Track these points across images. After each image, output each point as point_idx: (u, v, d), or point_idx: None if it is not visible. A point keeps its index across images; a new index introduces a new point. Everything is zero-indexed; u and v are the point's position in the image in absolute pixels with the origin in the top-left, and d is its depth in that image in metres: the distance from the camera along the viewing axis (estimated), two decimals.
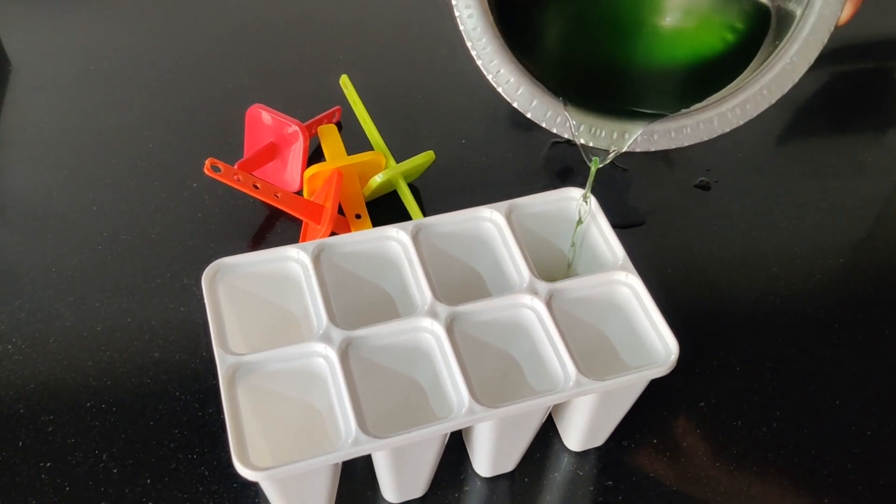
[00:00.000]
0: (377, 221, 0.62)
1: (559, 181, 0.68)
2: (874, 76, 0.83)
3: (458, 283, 0.51)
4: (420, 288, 0.47)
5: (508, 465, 0.51)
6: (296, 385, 0.45)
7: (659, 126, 0.46)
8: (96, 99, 0.72)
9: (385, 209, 0.64)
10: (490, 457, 0.49)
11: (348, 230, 0.61)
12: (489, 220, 0.51)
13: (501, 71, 0.46)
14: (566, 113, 0.47)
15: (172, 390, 0.54)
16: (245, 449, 0.41)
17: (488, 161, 0.69)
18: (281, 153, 0.63)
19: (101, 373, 0.55)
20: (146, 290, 0.59)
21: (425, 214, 0.63)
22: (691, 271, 0.63)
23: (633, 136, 0.46)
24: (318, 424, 0.46)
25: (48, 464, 0.51)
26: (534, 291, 0.47)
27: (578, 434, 0.51)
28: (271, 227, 0.63)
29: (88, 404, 0.53)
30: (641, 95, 0.50)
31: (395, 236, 0.50)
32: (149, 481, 0.50)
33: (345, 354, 0.45)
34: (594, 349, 0.48)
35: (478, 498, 0.51)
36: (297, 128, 0.62)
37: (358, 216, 0.61)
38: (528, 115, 0.47)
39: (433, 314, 0.46)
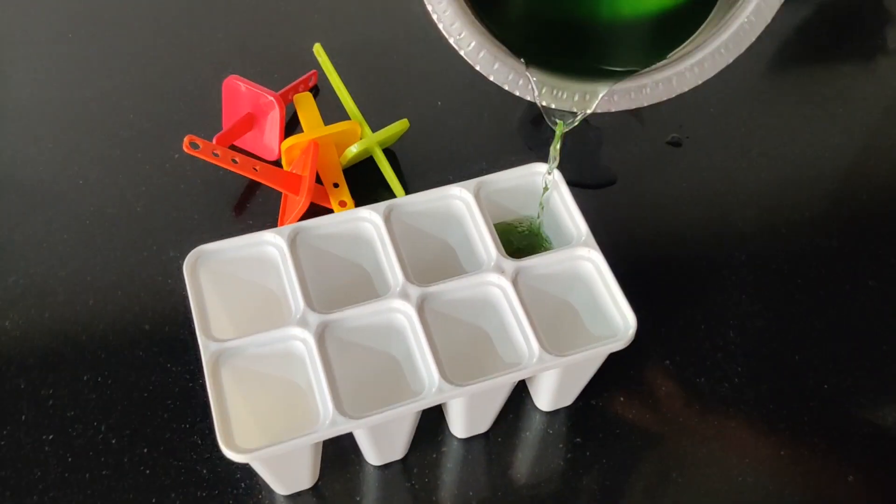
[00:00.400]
0: (354, 189, 0.64)
1: (537, 140, 0.69)
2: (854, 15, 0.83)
3: (431, 259, 0.53)
4: (392, 269, 0.50)
5: (482, 427, 0.54)
6: (277, 366, 0.48)
7: (619, 87, 0.46)
8: (74, 69, 0.72)
9: (362, 176, 0.65)
10: (464, 422, 0.52)
11: (327, 199, 0.63)
12: (458, 197, 0.53)
13: (463, 34, 0.46)
14: (528, 74, 0.47)
15: (164, 362, 0.57)
16: (230, 432, 0.44)
17: (465, 123, 0.70)
18: (258, 123, 0.65)
19: (95, 346, 0.57)
20: (134, 263, 0.61)
21: (402, 180, 0.65)
22: (661, 230, 0.65)
23: (597, 97, 0.47)
24: (301, 399, 0.49)
25: (50, 436, 0.54)
26: (500, 270, 0.50)
27: (548, 397, 0.54)
28: (252, 195, 0.65)
29: (85, 377, 0.56)
30: (603, 53, 0.50)
31: (368, 217, 0.52)
32: (145, 450, 0.54)
33: (321, 337, 0.47)
34: (559, 322, 0.51)
35: (455, 457, 0.54)
36: (272, 98, 0.63)
37: (336, 185, 0.63)
38: (491, 78, 0.48)
39: (405, 296, 0.48)
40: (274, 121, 0.64)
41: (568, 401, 0.55)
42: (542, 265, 0.50)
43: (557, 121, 0.49)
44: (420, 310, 0.48)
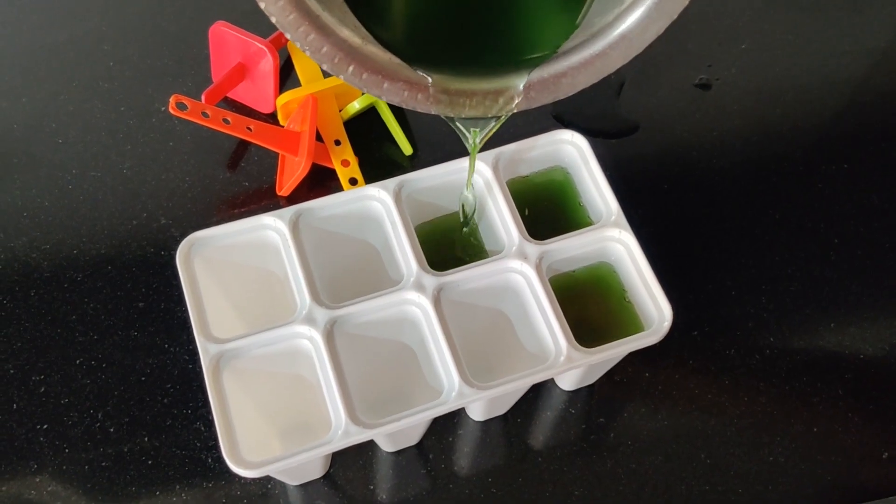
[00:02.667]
0: (358, 147, 0.59)
1: None
2: None
3: (447, 241, 0.49)
4: (405, 255, 0.46)
5: (501, 411, 0.51)
6: (283, 364, 0.45)
7: (535, 76, 0.38)
8: (45, 9, 0.66)
9: (366, 131, 0.60)
10: (483, 409, 0.49)
11: (328, 158, 0.58)
12: (476, 171, 0.48)
13: (337, 57, 0.36)
14: (429, 85, 0.38)
15: (161, 342, 0.54)
16: (236, 445, 0.41)
17: None
18: (250, 73, 0.59)
19: (86, 327, 0.54)
20: (123, 233, 0.57)
21: (409, 134, 0.60)
22: (687, 185, 0.60)
23: (515, 97, 0.38)
24: (311, 395, 0.46)
25: (44, 426, 0.51)
26: (523, 255, 0.46)
27: (570, 379, 0.51)
28: (247, 152, 0.60)
29: (78, 361, 0.53)
30: (509, 37, 0.39)
31: (377, 196, 0.47)
32: (146, 439, 0.51)
33: (329, 334, 0.44)
34: (586, 311, 0.47)
35: (472, 440, 0.52)
36: (263, 46, 0.57)
37: (337, 142, 0.58)
38: (383, 98, 0.38)
39: (419, 287, 0.45)
40: (267, 70, 0.58)
41: (591, 381, 0.52)
42: (569, 248, 0.46)
43: (471, 129, 0.41)
44: (436, 302, 0.44)
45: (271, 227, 0.46)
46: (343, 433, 0.41)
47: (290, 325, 0.44)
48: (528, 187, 0.49)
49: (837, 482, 0.51)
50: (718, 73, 0.65)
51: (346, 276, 0.47)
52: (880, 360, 0.54)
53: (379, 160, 0.59)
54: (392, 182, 0.47)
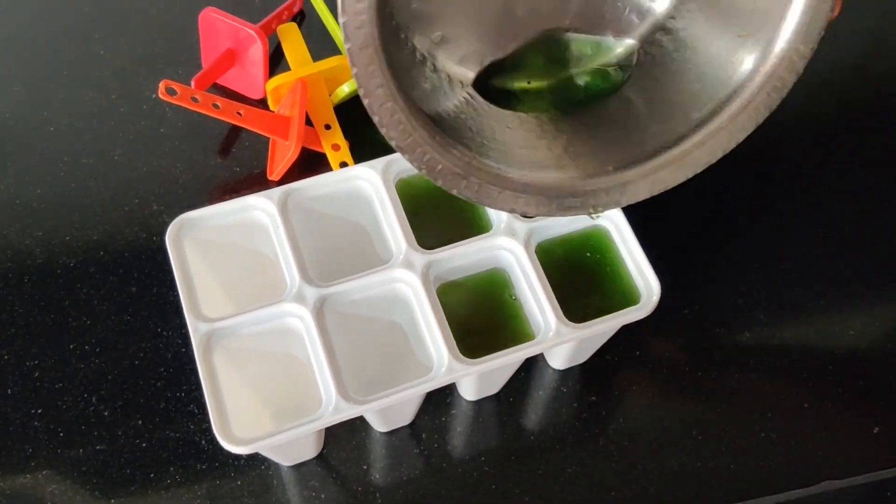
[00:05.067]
0: (348, 131, 0.59)
1: None
2: None
3: (436, 220, 0.49)
4: (394, 233, 0.46)
5: (493, 390, 0.52)
6: (274, 342, 0.45)
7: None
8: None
9: (356, 114, 0.60)
10: (474, 387, 0.50)
11: (318, 143, 0.58)
12: None
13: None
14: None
15: (154, 326, 0.54)
16: (227, 422, 0.41)
17: None
18: (240, 59, 0.59)
19: (79, 312, 0.54)
20: (115, 219, 0.57)
21: None
22: None
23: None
24: (302, 372, 0.46)
25: (39, 410, 0.51)
26: (512, 233, 0.46)
27: (561, 357, 0.51)
28: (238, 137, 0.60)
29: (71, 346, 0.53)
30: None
31: (364, 175, 0.48)
32: (140, 422, 0.51)
33: (319, 313, 0.44)
34: (574, 287, 0.47)
35: (464, 420, 0.52)
36: (252, 32, 0.57)
37: (328, 126, 0.58)
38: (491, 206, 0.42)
39: (408, 264, 0.45)
40: (257, 56, 0.58)
41: (582, 359, 0.53)
42: (558, 224, 0.46)
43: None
44: (426, 279, 0.44)
45: (260, 207, 0.47)
46: (334, 409, 0.41)
47: (280, 304, 0.44)
48: None
49: (828, 457, 0.51)
50: None
51: (335, 255, 0.47)
52: (870, 336, 0.55)
53: (369, 143, 0.59)
54: (380, 162, 0.47)
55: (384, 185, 0.47)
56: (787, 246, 0.57)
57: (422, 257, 0.45)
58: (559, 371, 0.53)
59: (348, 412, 0.41)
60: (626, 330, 0.52)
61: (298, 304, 0.44)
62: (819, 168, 0.61)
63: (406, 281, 0.45)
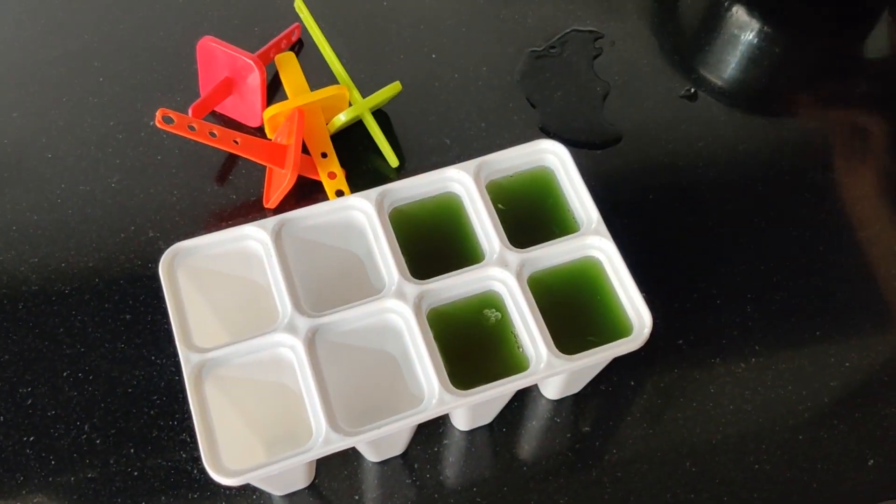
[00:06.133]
0: (344, 159, 0.59)
1: (539, 95, 0.64)
2: None
3: (429, 251, 0.49)
4: (387, 264, 0.46)
5: (485, 420, 0.51)
6: (265, 372, 0.45)
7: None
8: (38, 26, 0.66)
9: (352, 143, 0.61)
10: (466, 418, 0.50)
11: (315, 171, 0.58)
12: (457, 181, 0.49)
13: None
14: None
15: (148, 354, 0.54)
16: (217, 453, 0.41)
17: (461, 76, 0.65)
18: (238, 87, 0.60)
19: (73, 339, 0.54)
20: (111, 246, 0.57)
21: (395, 145, 0.60)
22: (674, 194, 0.61)
23: None
24: (294, 402, 0.46)
25: (31, 438, 0.51)
26: (504, 263, 0.46)
27: (555, 387, 0.51)
28: (235, 165, 0.60)
29: (65, 373, 0.53)
30: None
31: (359, 206, 0.48)
32: (132, 451, 0.51)
33: (311, 343, 0.44)
34: (566, 318, 0.47)
35: (457, 450, 0.52)
36: (250, 61, 0.58)
37: (324, 155, 0.59)
38: None
39: (401, 295, 0.45)
40: (254, 85, 0.59)
41: (575, 389, 0.52)
42: (550, 256, 0.46)
43: None
44: (418, 310, 0.44)
45: (254, 237, 0.47)
46: (324, 441, 0.41)
47: (271, 334, 0.44)
48: (508, 192, 0.50)
49: (823, 489, 0.51)
50: (703, 84, 0.65)
51: (329, 285, 0.47)
52: (865, 368, 0.55)
53: (366, 172, 0.60)
54: (374, 192, 0.48)
55: (378, 214, 0.47)
56: (783, 276, 0.57)
57: (414, 288, 0.45)
58: (553, 401, 0.53)
59: (338, 444, 0.41)
60: (620, 360, 0.52)
61: (290, 335, 0.44)
62: (816, 198, 0.61)
63: (398, 311, 0.45)
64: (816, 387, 0.54)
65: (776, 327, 0.56)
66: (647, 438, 0.52)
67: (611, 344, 0.44)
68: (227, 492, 0.50)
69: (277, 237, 0.46)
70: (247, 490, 0.50)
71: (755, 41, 0.67)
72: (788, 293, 0.57)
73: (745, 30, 0.67)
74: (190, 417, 0.51)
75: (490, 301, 0.46)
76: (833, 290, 0.57)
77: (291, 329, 0.44)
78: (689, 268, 0.58)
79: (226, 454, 0.42)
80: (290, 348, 0.44)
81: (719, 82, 0.66)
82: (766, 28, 0.68)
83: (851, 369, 0.54)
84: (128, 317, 0.55)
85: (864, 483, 0.51)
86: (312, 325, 0.44)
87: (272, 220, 0.47)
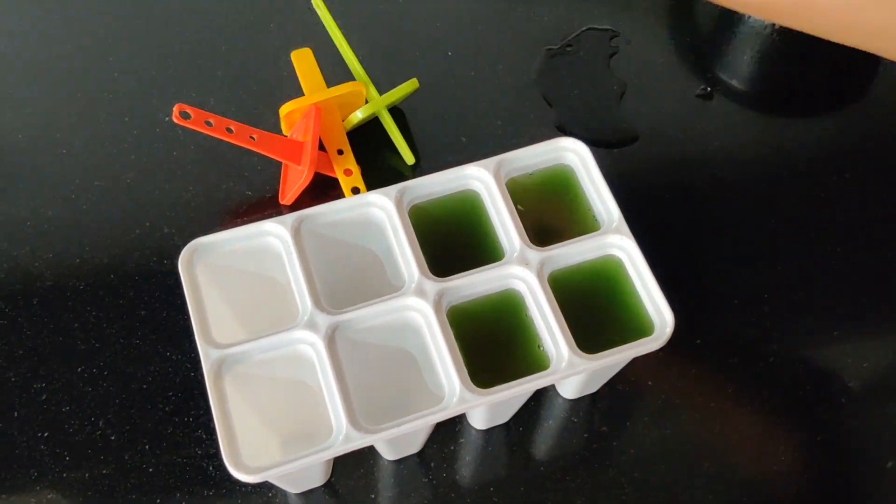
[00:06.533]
0: (360, 156, 0.59)
1: (557, 93, 0.63)
2: None
3: (449, 247, 0.48)
4: (407, 261, 0.46)
5: (503, 419, 0.51)
6: (285, 369, 0.44)
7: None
8: (52, 21, 0.66)
9: (368, 140, 0.60)
10: (484, 417, 0.49)
11: (331, 167, 0.58)
12: (476, 178, 0.48)
13: None
14: None
15: (163, 350, 0.53)
16: (237, 450, 0.41)
17: (478, 74, 0.64)
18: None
19: (88, 335, 0.54)
20: (126, 242, 0.57)
21: (412, 142, 0.60)
22: (690, 194, 0.60)
23: None
24: (314, 399, 0.46)
25: (45, 433, 0.51)
26: (525, 262, 0.46)
27: (572, 387, 0.51)
28: (250, 162, 0.60)
29: (79, 369, 0.53)
30: None
31: (378, 202, 0.47)
32: (147, 447, 0.51)
33: (331, 340, 0.44)
34: (587, 317, 0.47)
35: (474, 449, 0.52)
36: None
37: (340, 152, 0.58)
38: None
39: (420, 293, 0.44)
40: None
41: (593, 389, 0.52)
42: (570, 254, 0.46)
43: None
44: (437, 308, 0.44)
45: (273, 233, 0.46)
46: (344, 438, 0.41)
47: (291, 331, 0.44)
48: (528, 190, 0.50)
49: (841, 491, 0.51)
50: (719, 83, 0.65)
51: (347, 282, 0.46)
52: (884, 369, 0.54)
53: (381, 169, 0.60)
54: (393, 189, 0.47)
55: (397, 212, 0.47)
56: (799, 277, 0.57)
57: (434, 285, 0.45)
58: (570, 400, 0.53)
59: (359, 441, 0.41)
60: (638, 360, 0.52)
61: (310, 332, 0.43)
62: (833, 198, 0.60)
63: (418, 309, 0.45)
64: (834, 388, 0.54)
65: (794, 328, 0.55)
66: (665, 438, 0.52)
67: (632, 343, 0.44)
68: (243, 489, 0.49)
69: (297, 233, 0.46)
70: (263, 487, 0.49)
71: (771, 40, 0.67)
72: (806, 294, 0.57)
73: (761, 29, 0.67)
74: (205, 414, 0.51)
75: (510, 299, 0.46)
76: (850, 292, 0.57)
77: (311, 326, 0.43)
78: (705, 267, 0.57)
79: (245, 451, 0.41)
80: (310, 345, 0.44)
81: (735, 82, 0.65)
82: (782, 27, 0.68)
83: (870, 370, 0.54)
84: (143, 313, 0.55)
85: (883, 485, 0.51)
86: (332, 322, 0.44)
87: (291, 217, 0.46)
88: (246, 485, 0.49)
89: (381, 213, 0.47)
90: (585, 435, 0.52)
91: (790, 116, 0.64)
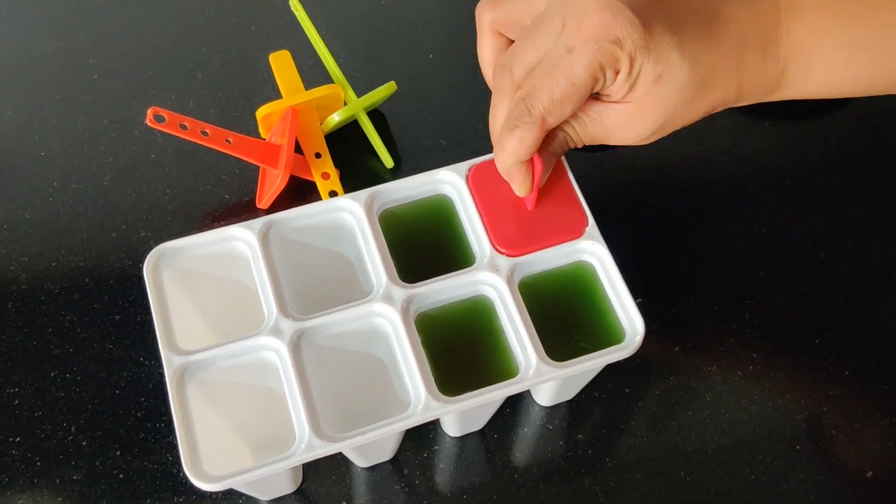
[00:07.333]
0: (340, 159, 0.59)
1: None
2: None
3: (418, 254, 0.48)
4: (375, 267, 0.45)
5: (476, 426, 0.51)
6: (250, 375, 0.44)
7: None
8: (32, 22, 0.66)
9: (347, 143, 0.60)
10: (457, 424, 0.49)
11: (308, 171, 0.57)
12: (448, 182, 0.48)
13: None
14: None
15: (136, 355, 0.53)
16: (198, 458, 0.40)
17: (458, 77, 0.64)
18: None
19: (62, 339, 0.54)
20: (102, 245, 0.57)
21: (390, 145, 0.60)
22: (672, 198, 0.60)
23: None
24: (279, 406, 0.45)
25: (17, 438, 0.51)
26: (495, 267, 0.45)
27: (547, 394, 0.50)
28: (228, 165, 0.59)
29: (52, 374, 0.53)
30: None
31: (348, 207, 0.47)
32: (118, 453, 0.50)
33: (296, 346, 0.43)
34: (558, 324, 0.46)
35: (447, 456, 0.51)
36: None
37: (318, 155, 0.58)
38: None
39: (388, 299, 0.44)
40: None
41: (568, 396, 0.51)
42: (541, 260, 0.46)
43: None
44: (405, 314, 0.44)
45: (240, 237, 0.46)
46: (306, 447, 0.40)
47: (256, 337, 0.43)
48: None
49: (820, 501, 0.50)
50: None
51: (316, 287, 0.46)
52: (866, 378, 0.53)
53: (360, 173, 0.59)
54: (364, 193, 0.47)
55: (367, 216, 0.46)
56: (782, 283, 0.56)
57: (402, 291, 0.44)
58: (545, 408, 0.52)
59: (321, 450, 0.40)
60: (614, 366, 0.51)
61: (275, 338, 0.43)
62: (817, 204, 0.59)
63: (385, 315, 0.44)
64: (815, 396, 0.53)
65: (774, 335, 0.55)
66: (642, 447, 0.51)
67: (602, 351, 0.43)
68: (213, 496, 0.49)
69: (265, 238, 0.46)
70: (233, 495, 0.49)
71: None
72: (787, 300, 0.56)
73: None
74: None
75: (480, 306, 0.45)
76: (833, 299, 0.56)
77: (276, 332, 0.43)
78: (686, 273, 0.57)
79: (208, 458, 0.41)
80: (274, 352, 0.43)
81: None
82: None
83: (851, 379, 0.53)
84: (117, 317, 0.54)
85: (863, 495, 0.50)
86: (298, 328, 0.43)
87: (259, 221, 0.46)
88: (216, 492, 0.49)
89: (350, 217, 0.47)
90: (561, 442, 0.51)
91: (772, 120, 0.63)
